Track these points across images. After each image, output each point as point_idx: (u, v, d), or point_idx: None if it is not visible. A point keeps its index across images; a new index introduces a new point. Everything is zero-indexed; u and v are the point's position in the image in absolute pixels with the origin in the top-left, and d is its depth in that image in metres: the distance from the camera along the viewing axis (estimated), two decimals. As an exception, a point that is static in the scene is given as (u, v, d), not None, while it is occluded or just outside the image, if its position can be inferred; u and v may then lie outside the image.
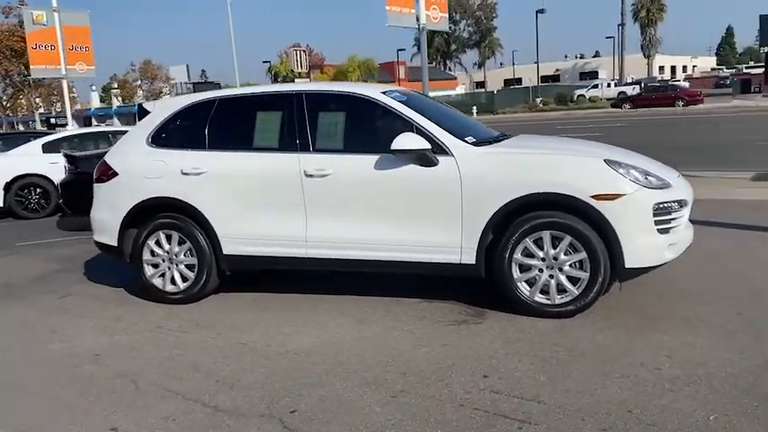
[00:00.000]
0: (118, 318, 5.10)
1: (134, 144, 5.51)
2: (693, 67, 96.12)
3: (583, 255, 4.35)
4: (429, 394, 3.44)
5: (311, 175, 4.85)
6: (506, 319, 4.47)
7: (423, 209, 4.66)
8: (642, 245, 4.31)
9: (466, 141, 4.71)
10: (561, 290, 4.45)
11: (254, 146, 5.12)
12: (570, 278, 4.42)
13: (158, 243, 5.34)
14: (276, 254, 5.04)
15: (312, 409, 3.35)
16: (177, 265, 5.32)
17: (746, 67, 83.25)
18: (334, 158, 4.87)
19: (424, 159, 4.59)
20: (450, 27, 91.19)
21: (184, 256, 5.29)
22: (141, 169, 5.32)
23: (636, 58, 73.91)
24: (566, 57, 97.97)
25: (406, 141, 4.54)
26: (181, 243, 5.28)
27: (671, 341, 3.96)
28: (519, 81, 78.76)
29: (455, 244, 4.60)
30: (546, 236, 4.41)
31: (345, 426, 3.16)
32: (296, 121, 5.00)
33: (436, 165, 4.58)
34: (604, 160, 4.43)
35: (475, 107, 48.07)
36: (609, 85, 53.58)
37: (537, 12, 53.24)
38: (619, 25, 66.72)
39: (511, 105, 49.81)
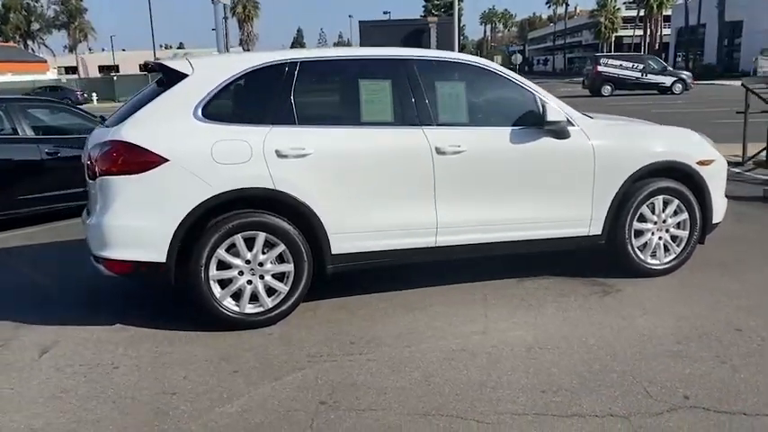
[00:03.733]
0: (224, 358, 3.64)
1: (175, 118, 3.90)
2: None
3: (685, 215, 4.84)
4: (755, 365, 3.44)
5: (443, 152, 4.24)
6: (635, 284, 4.69)
7: (557, 183, 4.54)
8: (720, 203, 5.03)
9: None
10: (665, 249, 4.88)
11: (363, 120, 4.21)
12: (672, 237, 4.89)
13: (232, 251, 3.96)
14: (402, 246, 4.26)
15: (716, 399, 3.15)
16: (263, 276, 4.04)
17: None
18: (464, 132, 4.35)
19: (560, 132, 4.47)
20: (29, 3, 79.53)
21: (272, 263, 4.03)
22: (206, 152, 3.84)
23: (239, 51, 76.54)
24: (161, 46, 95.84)
25: (555, 113, 4.38)
26: (267, 247, 4.02)
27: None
28: (117, 69, 73.84)
29: (586, 216, 4.62)
30: (659, 201, 4.77)
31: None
32: (411, 91, 4.28)
33: (569, 137, 4.51)
34: (691, 130, 5.01)
35: (95, 93, 44.18)
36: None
37: (149, -3, 50.69)
38: (223, 18, 68.13)
39: (133, 93, 46.71)
